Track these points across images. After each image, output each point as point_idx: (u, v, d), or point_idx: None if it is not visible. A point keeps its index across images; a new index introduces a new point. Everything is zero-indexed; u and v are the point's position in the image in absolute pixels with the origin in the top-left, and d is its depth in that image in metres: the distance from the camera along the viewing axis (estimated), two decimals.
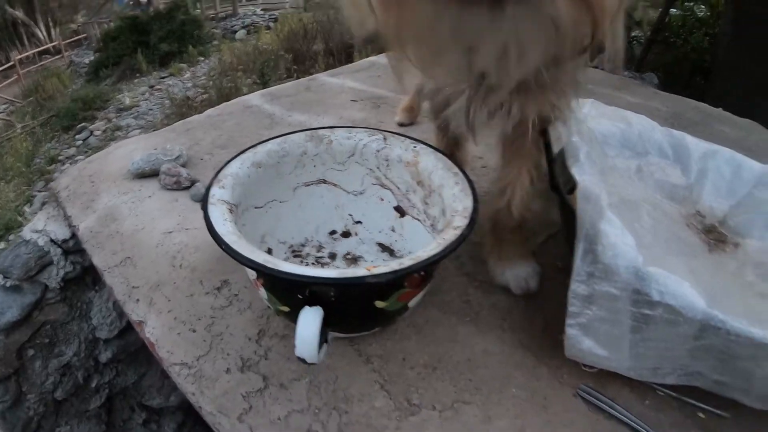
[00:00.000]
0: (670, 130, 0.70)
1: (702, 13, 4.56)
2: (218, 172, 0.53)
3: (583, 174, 0.51)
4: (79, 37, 16.94)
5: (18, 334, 0.87)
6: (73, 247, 0.89)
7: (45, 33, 18.46)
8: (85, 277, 0.94)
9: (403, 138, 0.59)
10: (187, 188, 0.81)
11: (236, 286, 0.62)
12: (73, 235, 0.86)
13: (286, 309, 0.46)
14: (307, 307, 0.40)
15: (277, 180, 0.59)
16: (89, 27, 16.44)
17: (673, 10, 4.74)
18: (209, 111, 1.10)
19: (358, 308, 0.46)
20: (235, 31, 10.45)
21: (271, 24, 9.16)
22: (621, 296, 0.44)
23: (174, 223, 0.73)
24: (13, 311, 0.84)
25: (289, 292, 0.44)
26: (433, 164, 0.55)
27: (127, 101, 6.59)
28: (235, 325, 0.57)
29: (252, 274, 0.47)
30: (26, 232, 0.88)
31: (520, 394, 0.50)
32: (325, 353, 0.44)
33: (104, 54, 9.25)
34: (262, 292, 0.48)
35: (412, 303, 0.48)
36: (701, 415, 0.49)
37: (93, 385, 1.04)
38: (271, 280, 0.45)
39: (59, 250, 0.88)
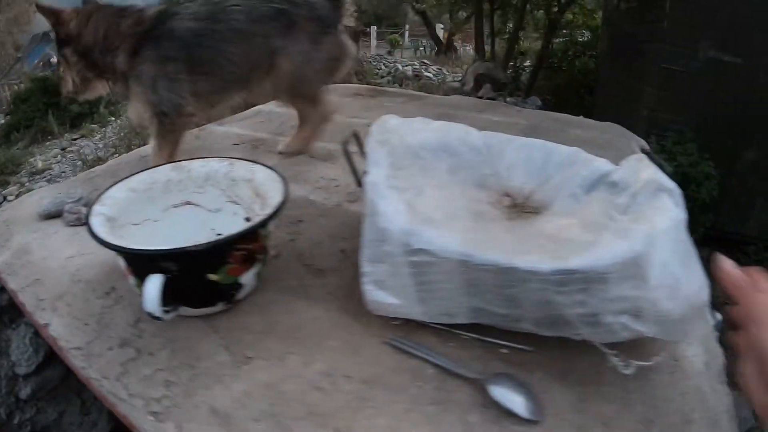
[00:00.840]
0: (489, 132, 0.87)
1: (583, 38, 5.25)
2: (100, 194, 0.70)
3: (374, 169, 0.68)
4: None
5: None
6: None
7: None
8: (3, 317, 1.04)
9: (245, 162, 0.78)
10: (82, 223, 0.96)
11: (121, 291, 0.76)
12: None
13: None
14: (151, 275, 0.57)
15: (149, 203, 0.76)
16: (0, 89, 15.63)
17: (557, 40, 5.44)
18: (110, 162, 1.26)
19: (195, 280, 0.62)
20: None
21: None
22: (396, 251, 0.58)
23: (75, 251, 0.86)
24: None
25: (143, 271, 0.59)
26: (266, 178, 0.73)
27: (40, 164, 6.40)
28: (119, 317, 0.71)
29: (123, 265, 0.64)
30: None
31: (336, 345, 0.64)
32: (173, 317, 0.60)
33: (15, 117, 8.95)
34: (131, 280, 0.64)
35: (243, 279, 0.64)
36: (504, 351, 0.61)
37: (15, 421, 1.10)
38: (129, 260, 0.61)
39: None
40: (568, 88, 4.77)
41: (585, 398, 0.57)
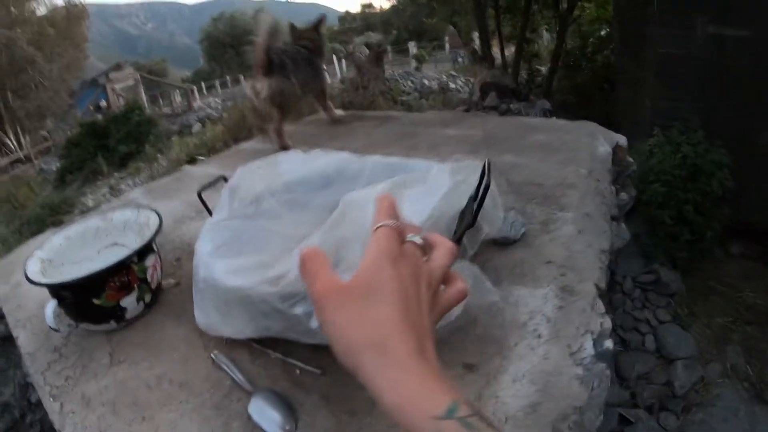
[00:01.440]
0: (345, 156, 0.98)
1: (599, 33, 5.03)
2: (42, 242, 0.90)
3: (212, 217, 0.85)
4: (48, 144, 17.72)
5: None
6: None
7: (15, 142, 19.28)
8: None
9: (145, 210, 0.96)
10: None
11: None
12: None
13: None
14: (49, 300, 0.77)
15: (84, 246, 0.95)
16: (55, 134, 17.29)
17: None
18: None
19: (84, 303, 0.79)
20: (191, 126, 11.21)
21: (224, 115, 9.92)
22: (198, 279, 0.73)
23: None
24: None
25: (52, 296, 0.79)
26: (149, 218, 0.92)
27: (90, 203, 7.01)
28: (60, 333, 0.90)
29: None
30: None
31: (177, 356, 0.78)
32: (72, 331, 0.81)
33: (68, 160, 9.88)
34: None
35: (124, 303, 0.81)
36: (298, 371, 0.69)
37: (27, 421, 1.35)
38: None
39: None
40: (589, 85, 4.60)
41: (343, 427, 0.62)
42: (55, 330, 0.79)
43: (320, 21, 1.82)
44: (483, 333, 0.69)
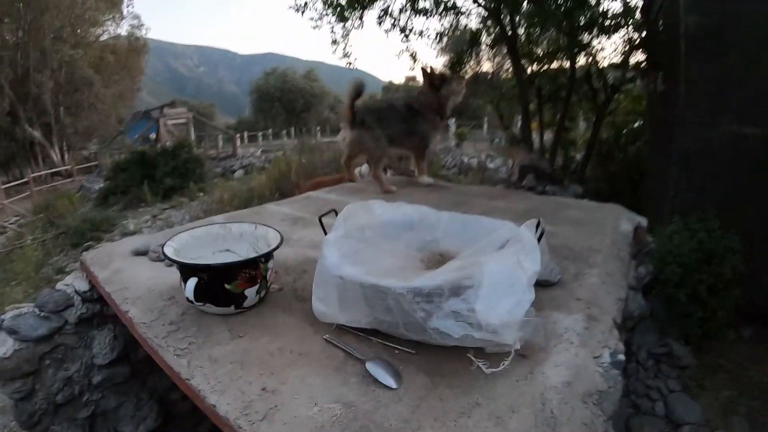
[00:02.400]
0: (425, 209, 1.23)
1: (633, 125, 5.28)
2: (173, 235, 1.15)
3: (331, 234, 1.08)
4: (90, 164, 18.63)
5: (42, 347, 1.40)
6: (89, 297, 1.46)
7: (59, 156, 20.24)
8: (93, 319, 1.51)
9: (263, 226, 1.21)
10: (162, 260, 1.42)
11: (177, 298, 1.18)
12: (91, 288, 1.45)
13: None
14: (191, 277, 1.00)
15: (202, 246, 1.20)
16: (101, 156, 18.16)
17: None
18: (187, 225, 1.75)
19: (216, 287, 1.02)
20: (234, 171, 11.83)
21: (266, 165, 10.45)
22: (329, 279, 0.95)
23: (153, 274, 1.33)
24: (42, 330, 1.39)
25: (187, 276, 1.02)
26: (273, 236, 1.16)
27: (131, 227, 7.42)
28: (173, 311, 1.12)
29: (179, 276, 1.06)
30: (59, 285, 1.47)
31: (292, 336, 1.00)
32: (200, 306, 1.03)
33: (113, 182, 10.43)
34: (182, 285, 1.05)
35: (247, 292, 1.03)
36: (396, 351, 0.92)
37: (84, 399, 1.53)
38: (181, 270, 1.04)
39: (79, 298, 1.46)
40: (620, 174, 4.82)
41: (437, 384, 0.85)
42: (191, 302, 1.03)
43: (444, 79, 2.05)
44: (530, 339, 0.90)
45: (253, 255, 1.10)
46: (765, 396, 2.36)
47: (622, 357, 0.96)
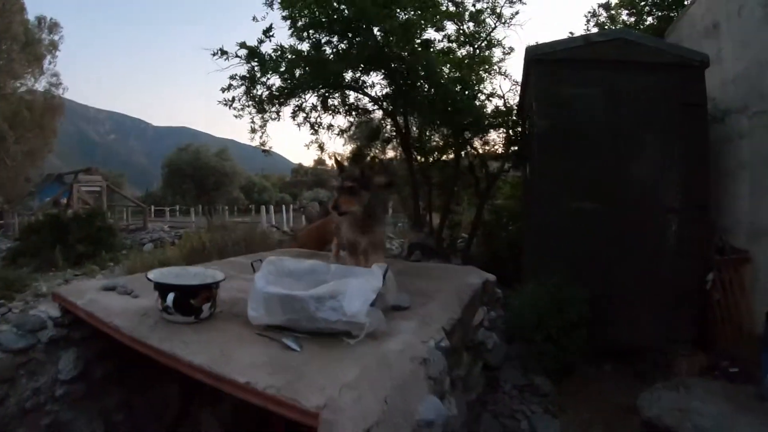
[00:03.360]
0: (316, 262, 1.90)
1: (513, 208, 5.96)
2: (153, 270, 1.68)
3: (259, 272, 1.68)
4: None
5: (19, 358, 1.79)
6: (60, 322, 1.89)
7: None
8: (61, 341, 1.92)
9: (210, 268, 1.80)
10: (128, 294, 1.89)
11: (150, 314, 1.68)
12: (63, 314, 1.87)
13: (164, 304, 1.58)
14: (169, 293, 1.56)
15: (170, 279, 1.72)
16: (8, 216, 16.97)
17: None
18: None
19: (185, 300, 1.57)
20: (144, 244, 11.90)
21: (176, 240, 10.55)
22: (259, 295, 1.55)
23: (123, 302, 1.83)
24: (21, 344, 1.79)
25: (167, 293, 1.57)
26: (215, 273, 1.73)
27: (44, 289, 7.26)
28: (148, 321, 1.62)
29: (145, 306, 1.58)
30: (33, 311, 1.89)
31: (236, 333, 1.55)
32: (171, 319, 1.57)
33: (24, 244, 9.99)
34: (158, 303, 1.58)
35: (204, 307, 1.60)
36: (299, 336, 1.51)
37: (47, 408, 1.90)
38: (161, 288, 1.59)
39: (51, 322, 1.88)
40: (503, 250, 5.44)
41: (322, 347, 1.45)
42: (167, 310, 1.57)
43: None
44: (378, 328, 1.53)
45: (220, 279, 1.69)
46: (620, 412, 2.83)
47: (444, 344, 1.64)
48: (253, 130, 5.36)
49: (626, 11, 6.88)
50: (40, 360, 1.86)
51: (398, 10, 4.48)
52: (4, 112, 20.22)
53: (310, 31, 4.61)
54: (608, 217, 3.48)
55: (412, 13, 4.66)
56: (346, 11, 4.33)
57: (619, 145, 3.46)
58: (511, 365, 3.39)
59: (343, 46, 4.71)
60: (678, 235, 3.35)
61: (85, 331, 1.99)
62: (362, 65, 4.87)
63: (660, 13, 6.32)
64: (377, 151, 6.51)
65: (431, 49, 5.03)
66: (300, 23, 4.55)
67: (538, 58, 3.69)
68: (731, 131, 3.62)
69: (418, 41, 4.83)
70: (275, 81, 4.95)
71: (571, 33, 6.84)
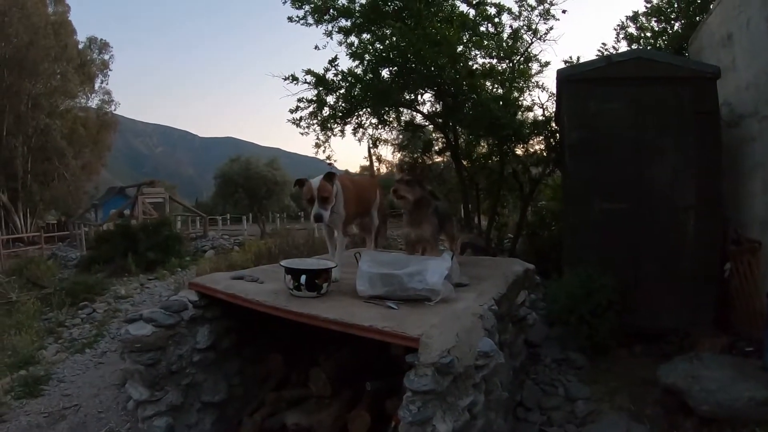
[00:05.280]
0: (400, 254, 2.56)
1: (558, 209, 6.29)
2: (285, 260, 2.38)
3: (362, 259, 2.37)
4: (55, 234, 18.55)
5: (168, 331, 2.45)
6: (197, 304, 2.57)
7: (21, 222, 19.88)
8: (198, 319, 2.59)
9: (323, 259, 2.47)
10: (255, 281, 2.58)
11: (279, 294, 2.35)
12: (199, 298, 2.56)
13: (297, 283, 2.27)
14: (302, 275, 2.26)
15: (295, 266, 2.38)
16: (71, 227, 18.26)
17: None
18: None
19: (312, 280, 2.27)
20: (205, 251, 12.79)
21: (236, 247, 11.32)
22: (364, 274, 2.26)
23: (253, 286, 2.55)
24: (170, 320, 2.44)
25: (299, 275, 2.27)
26: (328, 262, 2.40)
27: (123, 292, 8.17)
28: (282, 297, 2.31)
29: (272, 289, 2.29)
30: (174, 297, 2.60)
31: (349, 301, 2.24)
32: (299, 295, 2.28)
33: (97, 251, 10.99)
34: (288, 283, 2.28)
35: (324, 285, 2.30)
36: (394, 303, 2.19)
37: (186, 371, 2.52)
38: (293, 272, 2.29)
39: (191, 304, 2.56)
40: (546, 248, 5.83)
41: (412, 308, 2.14)
42: (298, 288, 2.25)
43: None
44: (449, 295, 2.18)
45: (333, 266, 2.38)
46: (643, 384, 3.21)
47: (494, 308, 2.28)
48: (317, 145, 6.09)
49: (654, 19, 7.09)
50: (183, 333, 2.49)
51: (447, 47, 5.09)
52: (62, 129, 21.74)
53: (373, 62, 5.31)
54: (633, 215, 3.88)
55: (460, 48, 5.22)
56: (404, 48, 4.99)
57: (641, 152, 3.86)
58: (551, 343, 3.92)
59: (401, 75, 5.40)
60: (696, 229, 3.74)
61: (216, 311, 2.62)
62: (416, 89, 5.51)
63: (684, 21, 6.56)
64: (427, 159, 7.07)
65: (474, 74, 5.61)
66: (367, 58, 5.27)
67: (567, 78, 4.20)
68: (746, 134, 4.02)
69: (462, 65, 5.41)
70: (339, 103, 5.67)
71: (603, 44, 7.30)
